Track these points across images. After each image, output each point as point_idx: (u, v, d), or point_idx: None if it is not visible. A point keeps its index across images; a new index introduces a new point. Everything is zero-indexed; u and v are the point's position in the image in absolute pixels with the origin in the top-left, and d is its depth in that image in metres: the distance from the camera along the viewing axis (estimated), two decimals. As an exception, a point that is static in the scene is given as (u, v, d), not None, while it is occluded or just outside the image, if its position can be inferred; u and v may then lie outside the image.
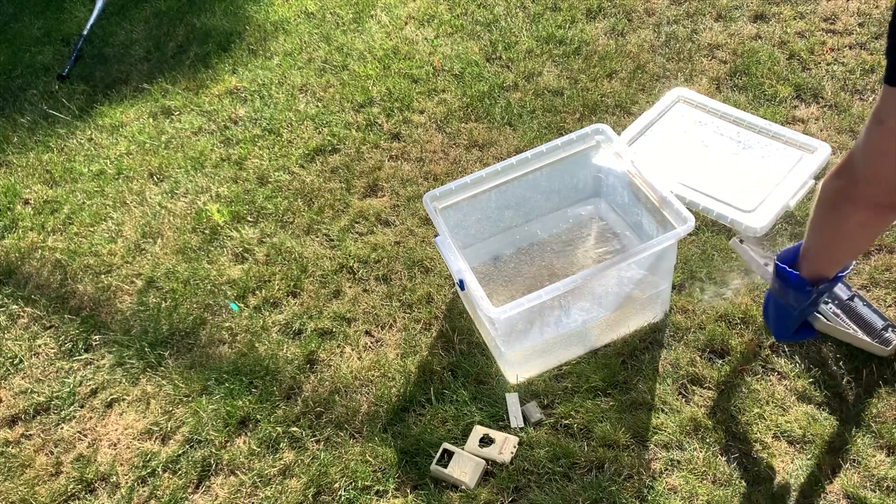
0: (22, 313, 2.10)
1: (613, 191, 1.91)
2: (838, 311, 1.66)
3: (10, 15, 3.33)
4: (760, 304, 1.79)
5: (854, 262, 1.35)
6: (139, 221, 2.29)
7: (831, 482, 1.49)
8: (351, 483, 1.63)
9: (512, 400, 1.70)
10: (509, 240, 1.98)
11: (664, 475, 1.55)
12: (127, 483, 1.70)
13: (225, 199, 2.31)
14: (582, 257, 1.95)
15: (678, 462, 1.56)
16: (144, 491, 1.69)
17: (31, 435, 1.84)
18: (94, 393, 1.89)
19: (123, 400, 1.87)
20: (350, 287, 2.01)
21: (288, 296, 2.02)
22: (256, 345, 1.91)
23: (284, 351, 1.89)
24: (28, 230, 2.34)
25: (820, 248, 1.25)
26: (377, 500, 1.60)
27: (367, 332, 1.91)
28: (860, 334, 1.62)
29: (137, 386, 1.89)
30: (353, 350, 1.87)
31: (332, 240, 2.13)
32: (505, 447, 1.61)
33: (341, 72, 2.68)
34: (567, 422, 1.66)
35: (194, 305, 2.03)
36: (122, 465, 1.74)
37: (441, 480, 1.60)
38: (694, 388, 1.67)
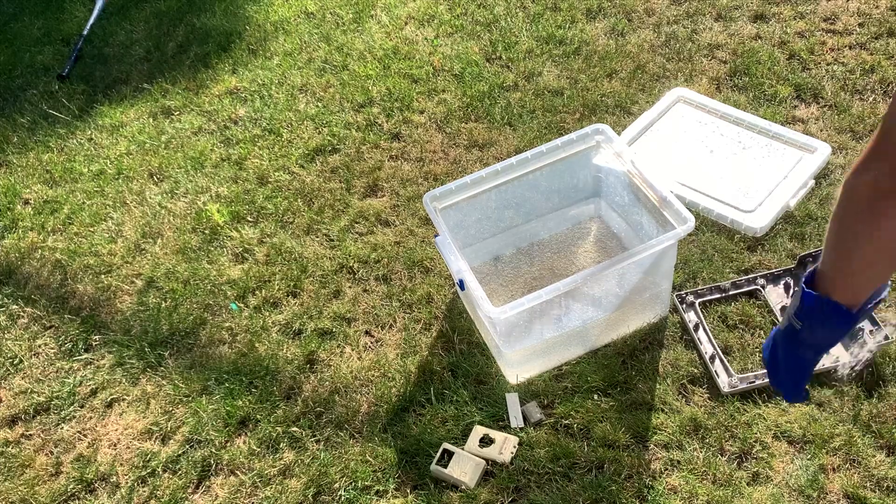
0: (22, 313, 2.10)
1: (613, 191, 1.91)
2: None
3: (10, 15, 3.33)
4: (757, 304, 1.79)
5: (889, 283, 1.03)
6: (139, 221, 2.29)
7: (831, 482, 1.49)
8: (351, 483, 1.63)
9: (512, 400, 1.70)
10: (509, 240, 1.98)
11: (664, 475, 1.55)
12: (127, 483, 1.70)
13: (225, 199, 2.31)
14: (582, 257, 1.95)
15: (678, 462, 1.56)
16: (144, 491, 1.69)
17: (31, 435, 1.84)
18: (94, 393, 1.89)
19: (123, 400, 1.87)
20: (350, 287, 2.01)
21: (288, 296, 2.02)
22: (256, 345, 1.91)
23: (284, 351, 1.89)
24: (28, 230, 2.34)
25: (851, 265, 0.95)
26: (377, 500, 1.60)
27: (367, 332, 1.91)
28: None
29: (137, 386, 1.89)
30: (353, 350, 1.87)
31: (332, 240, 2.13)
32: (505, 447, 1.61)
33: (341, 72, 2.68)
34: (567, 422, 1.66)
35: (194, 305, 2.03)
36: (122, 465, 1.74)
37: (441, 480, 1.60)
38: (694, 388, 1.67)
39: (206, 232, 2.22)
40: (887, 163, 0.84)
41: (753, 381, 1.63)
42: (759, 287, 1.81)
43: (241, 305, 2.01)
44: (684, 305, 1.80)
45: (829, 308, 0.97)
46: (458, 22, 2.78)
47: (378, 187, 2.26)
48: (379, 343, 1.88)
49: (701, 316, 1.77)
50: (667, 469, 1.56)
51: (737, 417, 1.60)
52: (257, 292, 2.03)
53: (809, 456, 1.53)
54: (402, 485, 1.62)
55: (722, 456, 1.56)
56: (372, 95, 2.55)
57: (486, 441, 1.64)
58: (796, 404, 1.61)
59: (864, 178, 0.87)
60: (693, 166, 2.12)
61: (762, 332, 1.74)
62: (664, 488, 1.53)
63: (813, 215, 1.95)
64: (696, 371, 1.69)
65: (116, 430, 1.81)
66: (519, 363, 1.71)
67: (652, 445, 1.60)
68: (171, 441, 1.76)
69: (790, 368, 1.11)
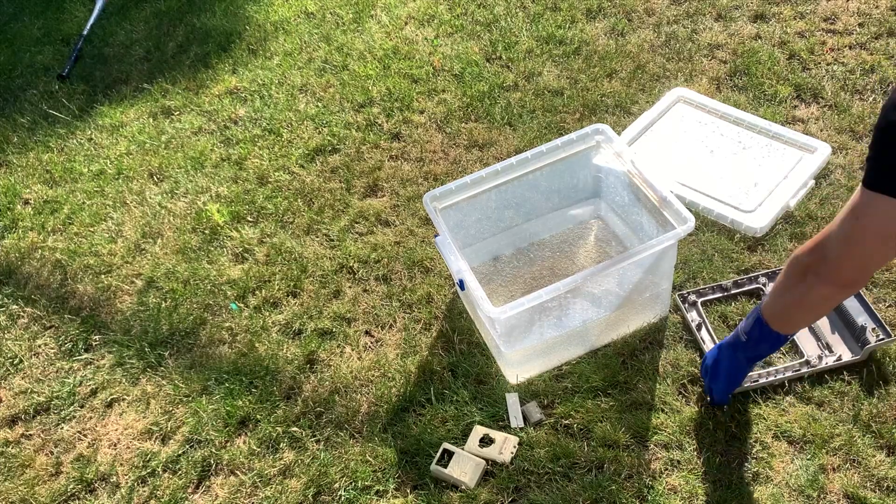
0: (22, 313, 2.10)
1: (613, 191, 1.91)
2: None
3: (10, 15, 3.33)
4: (756, 303, 1.79)
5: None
6: (139, 221, 2.29)
7: (831, 482, 1.49)
8: (351, 483, 1.63)
9: (512, 400, 1.70)
10: (509, 240, 1.98)
11: (664, 475, 1.55)
12: (127, 483, 1.70)
13: (225, 199, 2.31)
14: (582, 257, 1.95)
15: (678, 462, 1.56)
16: (144, 491, 1.69)
17: (31, 435, 1.84)
18: (94, 393, 1.89)
19: (123, 400, 1.87)
20: (350, 287, 2.01)
21: (288, 296, 2.02)
22: (256, 345, 1.91)
23: (284, 351, 1.89)
24: (28, 230, 2.34)
25: (782, 311, 1.36)
26: (377, 500, 1.60)
27: (367, 332, 1.91)
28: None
29: (137, 386, 1.89)
30: (353, 350, 1.87)
31: (332, 240, 2.13)
32: (505, 447, 1.61)
33: (341, 72, 2.68)
34: (567, 422, 1.66)
35: (194, 305, 2.03)
36: (122, 465, 1.74)
37: (441, 480, 1.60)
38: (694, 388, 1.67)
39: (206, 232, 2.22)
40: (819, 254, 1.22)
41: (756, 380, 1.63)
42: (760, 286, 1.81)
43: (241, 305, 2.01)
44: (686, 305, 1.80)
45: (768, 332, 1.40)
46: (458, 22, 2.78)
47: (378, 187, 2.26)
48: (379, 343, 1.88)
49: (703, 315, 1.77)
50: (667, 469, 1.56)
51: (737, 417, 1.60)
52: (257, 292, 2.03)
53: (809, 456, 1.53)
54: (402, 485, 1.62)
55: (722, 456, 1.56)
56: (372, 95, 2.55)
57: (486, 441, 1.64)
58: (796, 407, 1.61)
59: (804, 260, 1.25)
60: (693, 166, 2.12)
61: (762, 332, 1.74)
62: (664, 488, 1.53)
63: (813, 215, 1.95)
64: (696, 371, 1.69)
65: (116, 430, 1.81)
66: (519, 363, 1.71)
67: (652, 445, 1.60)
68: (171, 441, 1.76)
69: (729, 372, 1.51)
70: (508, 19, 2.74)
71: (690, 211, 1.61)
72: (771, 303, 1.38)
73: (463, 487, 1.57)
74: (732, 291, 1.82)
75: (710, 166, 2.11)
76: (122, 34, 3.07)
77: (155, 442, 1.77)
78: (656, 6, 2.67)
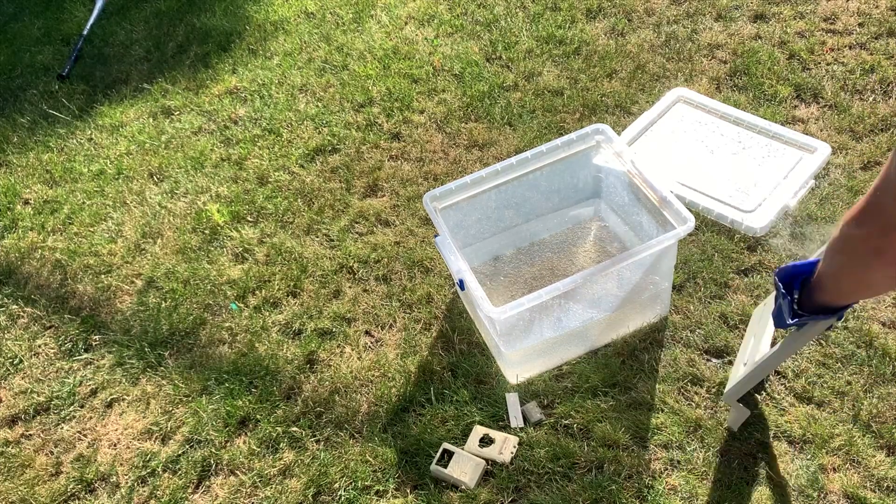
0: (22, 313, 2.10)
1: (613, 191, 1.91)
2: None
3: (10, 15, 3.33)
4: (757, 303, 1.79)
5: None
6: (139, 221, 2.29)
7: (831, 482, 1.49)
8: (351, 483, 1.63)
9: (512, 400, 1.70)
10: (509, 240, 1.98)
11: (664, 475, 1.55)
12: (127, 483, 1.71)
13: (225, 199, 2.31)
14: (582, 257, 1.95)
15: (678, 462, 1.56)
16: (144, 491, 1.69)
17: (31, 435, 1.84)
18: (94, 393, 1.89)
19: (123, 400, 1.87)
20: (350, 287, 2.01)
21: (288, 296, 2.02)
22: (256, 345, 1.91)
23: (284, 351, 1.89)
24: (28, 230, 2.34)
25: (839, 291, 1.15)
26: (377, 500, 1.60)
27: (367, 332, 1.91)
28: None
29: (137, 386, 1.89)
30: (353, 350, 1.87)
31: (332, 240, 2.13)
32: (505, 447, 1.61)
33: (341, 72, 2.68)
34: (567, 422, 1.66)
35: (194, 305, 2.03)
36: (122, 465, 1.74)
37: (441, 480, 1.60)
38: (694, 388, 1.67)
39: (206, 232, 2.22)
40: (877, 223, 0.95)
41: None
42: None
43: (241, 305, 2.01)
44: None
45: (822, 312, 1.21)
46: (458, 22, 2.78)
47: (378, 187, 2.26)
48: (379, 343, 1.88)
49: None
50: (667, 469, 1.56)
51: (737, 417, 1.61)
52: (257, 292, 2.03)
53: (809, 456, 1.53)
54: (402, 485, 1.62)
55: (722, 456, 1.56)
56: (372, 95, 2.55)
57: (486, 441, 1.64)
58: (796, 407, 1.61)
59: (857, 232, 0.99)
60: (693, 166, 2.12)
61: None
62: (664, 488, 1.53)
63: (813, 215, 1.95)
64: (695, 371, 1.69)
65: (116, 430, 1.81)
66: (519, 363, 1.71)
67: (652, 445, 1.60)
68: (171, 441, 1.76)
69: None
70: (508, 19, 2.74)
71: (690, 211, 1.61)
72: (823, 277, 1.16)
73: (463, 487, 1.57)
74: None
75: (710, 166, 2.11)
76: (122, 34, 3.07)
77: (155, 442, 1.77)
78: (656, 6, 2.67)
